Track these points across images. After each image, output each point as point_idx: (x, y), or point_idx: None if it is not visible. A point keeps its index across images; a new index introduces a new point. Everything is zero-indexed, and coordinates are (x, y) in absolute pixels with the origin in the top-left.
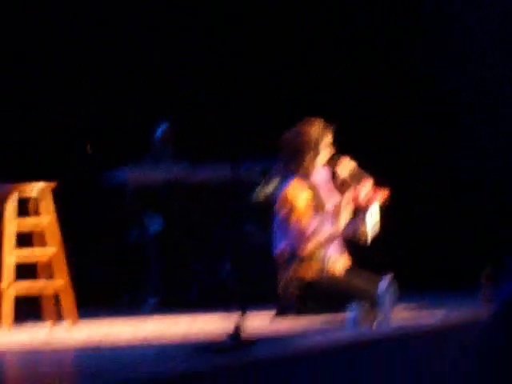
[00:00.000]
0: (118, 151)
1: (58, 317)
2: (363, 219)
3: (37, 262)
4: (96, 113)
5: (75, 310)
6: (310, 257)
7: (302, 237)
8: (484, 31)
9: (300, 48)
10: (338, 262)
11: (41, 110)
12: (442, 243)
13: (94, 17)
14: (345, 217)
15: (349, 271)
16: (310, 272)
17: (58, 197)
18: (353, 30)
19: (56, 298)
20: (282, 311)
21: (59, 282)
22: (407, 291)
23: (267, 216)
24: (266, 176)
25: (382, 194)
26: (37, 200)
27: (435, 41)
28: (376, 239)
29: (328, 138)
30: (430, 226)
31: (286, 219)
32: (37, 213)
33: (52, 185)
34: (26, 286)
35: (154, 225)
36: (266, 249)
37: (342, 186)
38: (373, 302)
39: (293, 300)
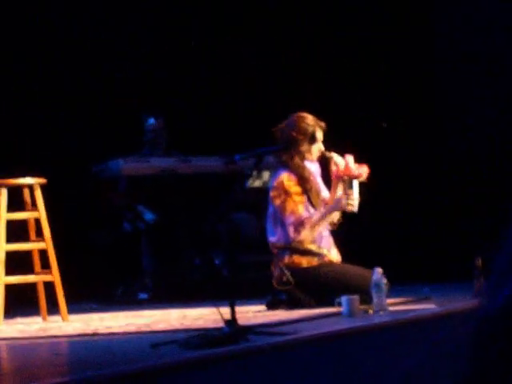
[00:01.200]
0: (111, 143)
1: (50, 310)
2: (350, 187)
3: (27, 256)
4: (88, 105)
5: (66, 303)
6: (305, 245)
7: (296, 225)
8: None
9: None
10: (330, 253)
11: (29, 105)
12: (433, 234)
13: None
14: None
15: (341, 264)
16: (305, 260)
17: (52, 189)
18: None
19: (48, 291)
20: (276, 302)
21: (50, 276)
22: (399, 284)
23: (260, 206)
24: (258, 167)
25: (364, 170)
26: (27, 195)
27: None
28: (365, 232)
29: (320, 133)
30: (420, 217)
31: (281, 208)
32: (26, 208)
33: (42, 180)
34: (18, 280)
35: (148, 216)
36: (260, 238)
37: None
38: (366, 294)
39: (287, 289)
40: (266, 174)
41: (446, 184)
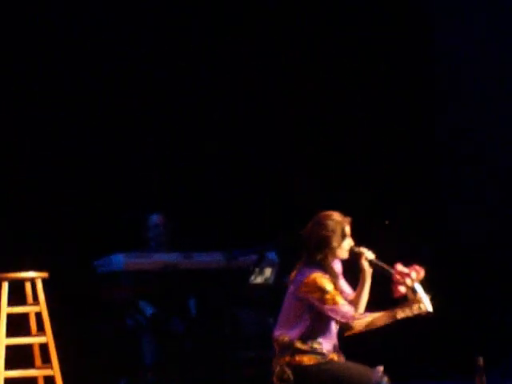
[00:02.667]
0: (112, 238)
1: None
2: (414, 292)
3: (28, 350)
4: (89, 200)
5: None
6: (310, 344)
7: (343, 313)
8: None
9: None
10: (333, 352)
11: (30, 198)
12: (436, 333)
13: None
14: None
15: (342, 363)
16: (306, 358)
17: (53, 283)
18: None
19: None
20: None
21: (51, 370)
22: (401, 382)
23: (262, 302)
24: (260, 263)
25: (419, 270)
26: (28, 289)
27: None
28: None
29: (348, 228)
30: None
31: (319, 306)
32: (28, 302)
33: (43, 274)
34: (18, 374)
35: (149, 311)
36: (261, 334)
37: (368, 267)
38: None
39: None
40: (267, 271)
41: (447, 282)
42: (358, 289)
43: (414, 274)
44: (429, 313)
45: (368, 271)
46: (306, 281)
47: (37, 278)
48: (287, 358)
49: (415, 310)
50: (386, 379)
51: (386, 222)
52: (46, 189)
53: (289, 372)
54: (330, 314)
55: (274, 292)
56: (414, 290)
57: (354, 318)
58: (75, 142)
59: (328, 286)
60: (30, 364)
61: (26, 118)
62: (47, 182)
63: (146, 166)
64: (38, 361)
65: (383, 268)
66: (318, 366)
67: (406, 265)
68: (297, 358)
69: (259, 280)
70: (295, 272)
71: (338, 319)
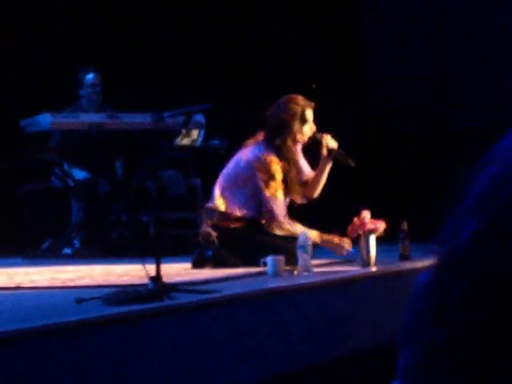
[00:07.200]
0: (40, 97)
1: None
2: (366, 242)
3: None
4: (19, 57)
5: None
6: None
7: (274, 210)
8: None
9: None
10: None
11: None
12: (359, 198)
13: None
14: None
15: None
16: (233, 224)
17: None
18: None
19: None
20: (201, 260)
21: None
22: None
23: (188, 164)
24: (187, 125)
25: (381, 225)
26: None
27: None
28: None
29: (310, 113)
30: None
31: (261, 186)
32: None
33: None
34: None
35: (76, 172)
36: (187, 196)
37: (328, 155)
38: (291, 255)
39: (213, 249)
40: (194, 133)
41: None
42: (315, 175)
43: (371, 226)
44: (364, 265)
45: (327, 159)
46: (262, 157)
47: None
48: (214, 221)
49: (342, 252)
50: (309, 242)
51: (313, 86)
52: None
53: (214, 234)
54: (265, 201)
55: (201, 154)
56: (366, 241)
57: (278, 222)
58: None
59: (278, 175)
60: None
61: None
62: None
63: (76, 21)
64: None
65: (344, 159)
66: (243, 228)
67: (375, 216)
68: (223, 223)
69: (186, 142)
70: (251, 145)
71: (266, 211)
